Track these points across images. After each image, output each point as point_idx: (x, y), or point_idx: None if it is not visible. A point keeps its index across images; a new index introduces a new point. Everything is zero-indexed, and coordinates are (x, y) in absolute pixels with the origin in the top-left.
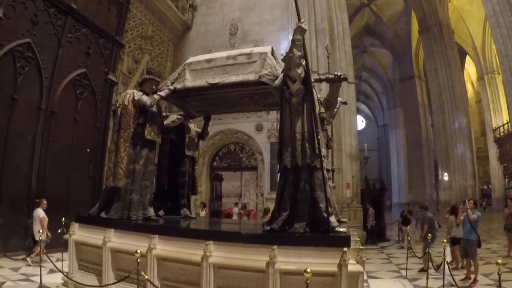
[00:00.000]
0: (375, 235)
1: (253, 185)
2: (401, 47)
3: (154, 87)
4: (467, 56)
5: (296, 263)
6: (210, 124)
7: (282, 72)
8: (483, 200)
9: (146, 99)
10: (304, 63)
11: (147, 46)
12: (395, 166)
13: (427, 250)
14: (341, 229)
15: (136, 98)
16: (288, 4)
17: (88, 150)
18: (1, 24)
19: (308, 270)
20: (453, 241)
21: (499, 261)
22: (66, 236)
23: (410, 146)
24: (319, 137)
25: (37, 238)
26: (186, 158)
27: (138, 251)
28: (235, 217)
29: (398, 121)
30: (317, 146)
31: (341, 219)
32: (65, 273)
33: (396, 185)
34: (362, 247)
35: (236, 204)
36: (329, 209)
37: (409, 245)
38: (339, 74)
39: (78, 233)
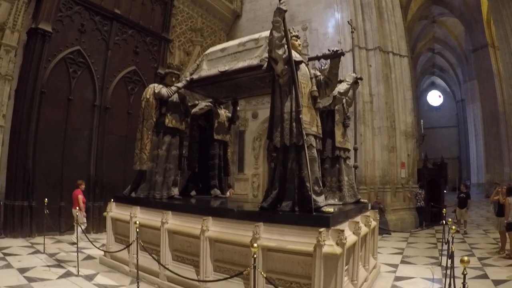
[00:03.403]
0: (427, 217)
1: None
2: (471, 14)
3: (174, 79)
4: None
5: (277, 240)
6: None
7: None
8: None
9: (164, 91)
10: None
11: (197, 38)
12: (473, 144)
13: None
14: (328, 209)
15: (156, 91)
16: None
17: None
18: (51, 38)
19: (255, 245)
20: (509, 227)
21: None
22: (105, 213)
23: (486, 121)
24: (301, 116)
25: None
26: (215, 142)
27: (137, 222)
28: None
29: (475, 95)
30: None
31: (361, 200)
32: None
33: (474, 164)
34: (342, 231)
35: None
36: (316, 188)
37: (465, 229)
38: (335, 49)
39: (115, 210)
